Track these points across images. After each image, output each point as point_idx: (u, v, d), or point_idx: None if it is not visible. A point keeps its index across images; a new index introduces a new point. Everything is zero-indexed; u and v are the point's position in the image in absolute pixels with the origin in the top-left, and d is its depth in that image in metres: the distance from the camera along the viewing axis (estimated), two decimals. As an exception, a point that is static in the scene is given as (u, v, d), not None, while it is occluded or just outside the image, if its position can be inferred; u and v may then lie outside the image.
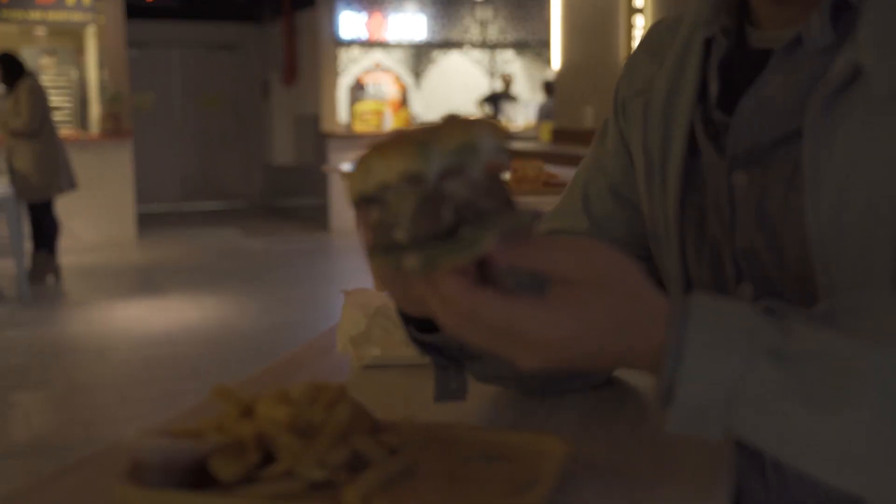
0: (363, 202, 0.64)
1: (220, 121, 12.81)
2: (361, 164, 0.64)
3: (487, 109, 11.27)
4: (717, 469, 0.80)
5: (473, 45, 12.04)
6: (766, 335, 0.63)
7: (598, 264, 0.63)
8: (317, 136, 10.87)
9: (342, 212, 9.86)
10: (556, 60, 7.65)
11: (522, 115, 11.23)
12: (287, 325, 5.85)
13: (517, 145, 6.90)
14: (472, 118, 0.64)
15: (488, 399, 1.00)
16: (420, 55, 11.93)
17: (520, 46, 12.16)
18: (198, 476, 0.73)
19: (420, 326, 0.86)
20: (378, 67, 11.83)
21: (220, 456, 0.73)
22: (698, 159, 0.92)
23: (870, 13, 0.78)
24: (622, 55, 6.64)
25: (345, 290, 1.19)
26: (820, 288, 0.79)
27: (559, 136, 7.40)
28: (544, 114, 9.41)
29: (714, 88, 0.90)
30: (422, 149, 0.61)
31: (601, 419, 0.94)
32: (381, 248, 0.63)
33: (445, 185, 0.61)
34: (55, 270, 7.21)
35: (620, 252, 0.65)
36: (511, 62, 12.22)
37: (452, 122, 0.63)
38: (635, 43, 6.78)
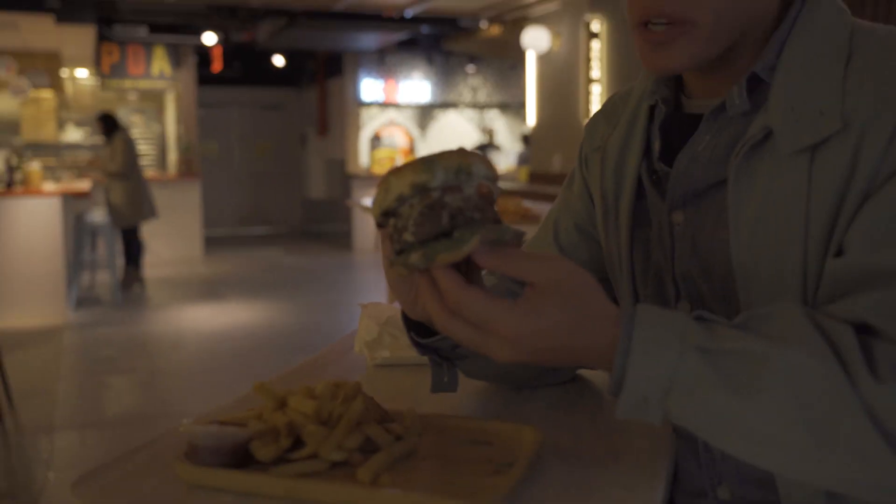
0: (384, 216, 0.65)
1: (268, 164, 12.82)
2: (382, 184, 0.65)
3: None
4: (659, 451, 0.77)
5: (466, 105, 12.06)
6: (696, 335, 0.62)
7: (560, 273, 0.62)
8: (343, 176, 10.88)
9: (362, 235, 9.84)
10: (531, 118, 7.65)
11: (504, 160, 11.22)
12: (318, 325, 5.82)
13: (501, 185, 6.87)
14: (469, 150, 0.65)
15: (474, 392, 0.97)
16: (424, 113, 11.94)
17: (503, 107, 12.17)
18: (241, 457, 0.71)
19: (420, 332, 0.84)
20: (391, 123, 11.83)
21: (259, 441, 0.71)
22: (644, 201, 0.90)
23: (778, 87, 0.76)
24: (582, 114, 6.64)
25: (361, 303, 1.16)
26: (741, 304, 0.77)
27: (534, 177, 7.38)
28: (522, 160, 9.40)
29: (657, 145, 0.88)
30: (428, 164, 0.62)
31: (565, 409, 0.92)
32: (396, 252, 0.64)
33: (445, 197, 0.62)
34: (140, 281, 7.19)
35: (579, 267, 0.64)
36: (496, 119, 12.23)
37: (453, 150, 0.64)
38: (593, 105, 6.77)
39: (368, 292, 6.94)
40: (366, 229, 9.75)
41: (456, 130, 12.04)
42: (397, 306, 1.13)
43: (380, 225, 0.67)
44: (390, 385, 1.03)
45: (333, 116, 11.83)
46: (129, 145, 7.00)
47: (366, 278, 8.08)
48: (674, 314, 0.63)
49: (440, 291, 0.62)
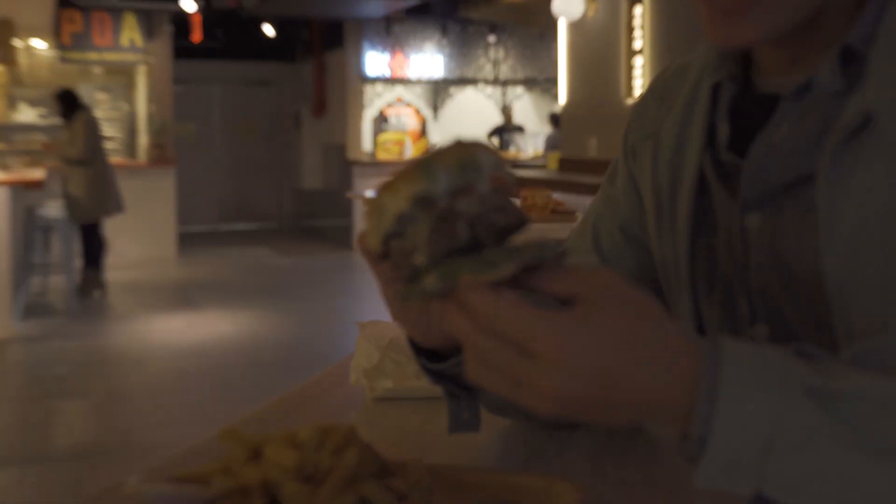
0: (385, 243, 0.61)
1: (255, 149, 12.87)
2: (373, 206, 0.60)
3: (495, 141, 11.25)
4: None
5: (486, 81, 12.03)
6: (804, 374, 0.56)
7: (619, 288, 0.57)
8: (342, 164, 10.88)
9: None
10: (562, 96, 7.61)
11: (532, 144, 11.19)
12: (311, 340, 5.80)
13: (527, 174, 6.84)
14: (466, 140, 0.61)
15: (498, 435, 0.93)
16: (438, 90, 11.93)
17: (529, 83, 12.15)
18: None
19: (431, 357, 0.80)
20: (399, 101, 11.84)
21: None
22: (708, 199, 0.85)
23: (879, 61, 0.72)
24: (623, 92, 6.58)
25: (359, 322, 1.12)
26: (837, 328, 0.72)
27: (566, 165, 7.33)
28: (551, 144, 9.36)
29: (724, 131, 0.83)
30: (425, 168, 0.59)
31: (611, 459, 0.87)
32: (406, 281, 0.60)
33: (457, 203, 0.58)
34: (101, 286, 7.21)
35: (635, 284, 0.58)
36: (521, 97, 12.20)
37: (449, 144, 0.61)
38: (635, 81, 6.73)
39: (371, 301, 6.91)
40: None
41: (474, 110, 12.03)
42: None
43: (383, 256, 0.62)
44: (393, 424, 0.99)
45: (332, 95, 11.85)
46: (93, 127, 7.02)
47: (368, 284, 8.07)
48: (770, 348, 0.58)
49: (468, 310, 0.56)
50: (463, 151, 0.60)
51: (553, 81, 7.94)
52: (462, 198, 0.58)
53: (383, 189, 0.60)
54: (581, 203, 4.24)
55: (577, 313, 0.55)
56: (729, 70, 0.84)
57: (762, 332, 0.79)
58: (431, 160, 0.59)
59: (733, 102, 0.83)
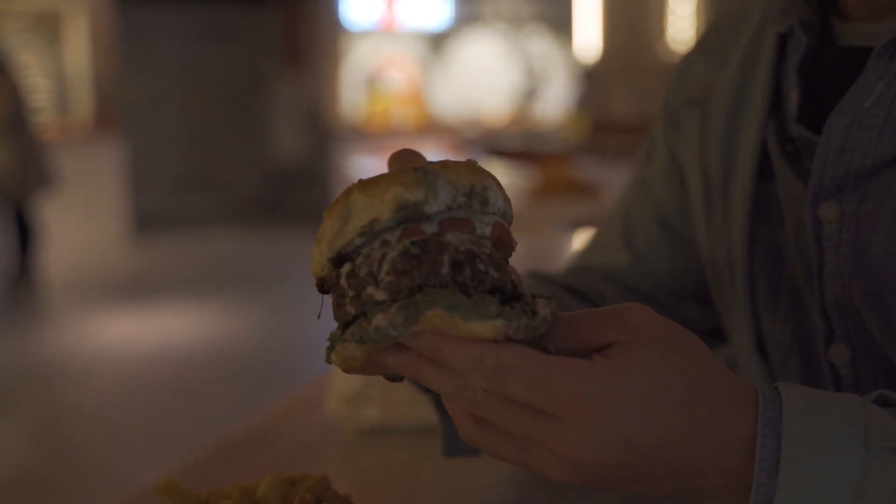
0: (334, 263, 0.55)
1: (216, 112, 12.84)
2: (338, 207, 0.55)
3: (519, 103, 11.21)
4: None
5: (497, 27, 11.98)
6: (884, 430, 0.53)
7: (656, 330, 0.54)
8: (321, 131, 10.86)
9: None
10: (591, 42, 7.57)
11: (552, 106, 11.17)
12: (287, 341, 5.79)
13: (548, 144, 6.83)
14: (482, 167, 0.56)
15: (510, 472, 0.90)
16: (438, 43, 11.89)
17: (550, 25, 12.06)
18: None
19: None
20: (392, 58, 11.79)
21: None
22: (772, 185, 0.82)
23: None
24: (653, 36, 6.52)
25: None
26: None
27: (598, 128, 7.30)
28: (577, 103, 9.33)
29: (794, 97, 0.79)
30: (425, 176, 0.54)
31: (646, 501, 0.84)
32: (343, 321, 0.54)
33: (447, 234, 0.53)
34: (30, 281, 7.20)
35: (670, 320, 0.55)
36: (540, 43, 12.13)
37: (465, 162, 0.56)
38: (668, 26, 6.67)
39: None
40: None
41: (484, 64, 11.97)
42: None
43: (322, 284, 0.56)
44: (381, 462, 0.97)
45: (307, 50, 11.79)
46: (17, 91, 7.00)
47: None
48: (843, 397, 0.55)
49: (451, 364, 0.52)
50: (477, 177, 0.55)
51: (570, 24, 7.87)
52: (455, 229, 0.54)
53: (361, 186, 0.55)
54: (609, 182, 4.21)
55: (607, 362, 0.52)
56: (801, 15, 0.79)
57: (842, 356, 0.76)
58: (437, 169, 0.54)
59: (806, 58, 0.79)
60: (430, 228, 0.53)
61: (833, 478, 0.52)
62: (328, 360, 0.56)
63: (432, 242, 0.52)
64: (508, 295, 0.54)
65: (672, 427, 0.52)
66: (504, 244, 0.56)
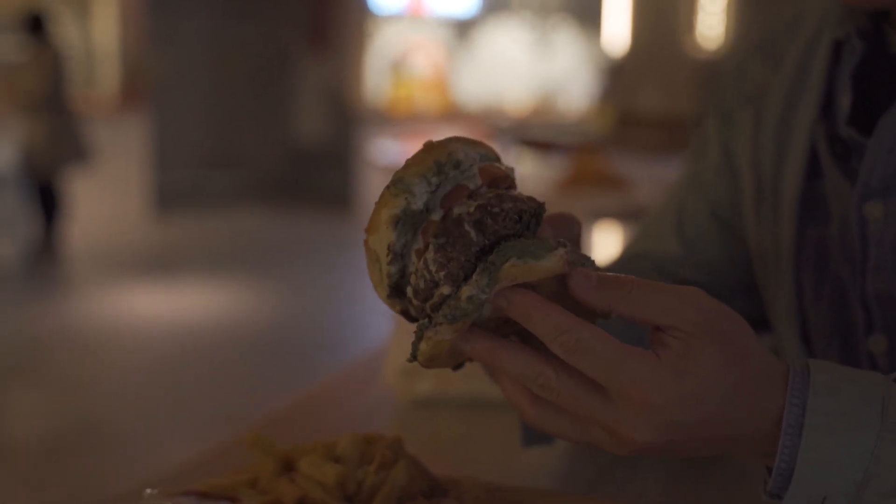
0: (395, 294, 0.61)
1: (242, 91, 12.84)
2: (368, 257, 0.61)
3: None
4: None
5: (524, 16, 11.95)
6: None
7: (712, 322, 0.58)
8: (345, 114, 10.88)
9: (372, 196, 9.85)
10: (618, 34, 7.55)
11: (575, 98, 11.15)
12: (308, 318, 5.82)
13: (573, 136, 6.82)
14: (437, 139, 0.61)
15: (559, 453, 0.95)
16: (463, 30, 11.87)
17: (575, 15, 12.02)
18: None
19: None
20: (418, 43, 11.79)
21: (256, 522, 0.69)
22: (821, 182, 0.86)
23: None
24: (682, 29, 6.51)
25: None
26: None
27: (625, 122, 7.29)
28: (603, 95, 9.31)
29: (846, 101, 0.84)
30: (396, 188, 0.59)
31: (691, 484, 0.89)
32: (443, 315, 0.58)
33: (453, 209, 0.58)
34: (54, 252, 7.25)
35: (723, 304, 0.60)
36: (565, 33, 12.09)
37: (422, 148, 0.61)
38: (699, 19, 6.66)
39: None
40: (376, 189, 9.77)
41: (509, 53, 11.96)
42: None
43: (408, 315, 0.62)
44: (433, 433, 1.01)
45: (334, 29, 11.81)
46: (61, 64, 7.03)
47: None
48: (867, 374, 0.60)
49: (539, 328, 0.57)
50: (435, 152, 0.60)
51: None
52: (454, 202, 0.59)
53: (367, 230, 0.61)
54: (642, 176, 4.21)
55: (669, 358, 0.57)
56: (857, 24, 0.83)
57: (881, 345, 0.81)
58: (400, 174, 0.60)
59: (860, 65, 0.83)
60: (437, 215, 0.58)
61: (850, 446, 0.57)
62: (414, 356, 0.61)
63: (448, 224, 0.58)
64: (533, 212, 0.59)
65: (718, 411, 0.57)
66: (500, 177, 0.60)
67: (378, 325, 5.57)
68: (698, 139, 1.03)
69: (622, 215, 3.58)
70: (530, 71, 11.78)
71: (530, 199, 0.60)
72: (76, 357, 5.15)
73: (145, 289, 6.58)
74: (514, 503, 0.79)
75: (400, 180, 0.59)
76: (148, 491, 0.68)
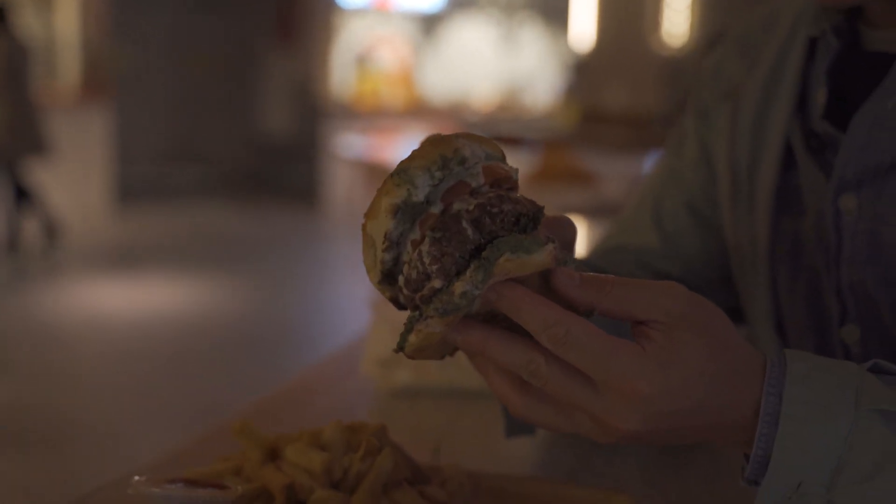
0: (387, 280, 0.62)
1: (207, 84, 12.75)
2: (364, 241, 0.62)
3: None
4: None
5: (490, 12, 11.97)
6: (877, 396, 0.60)
7: (686, 304, 0.60)
8: (312, 107, 10.84)
9: (337, 190, 9.84)
10: (583, 29, 7.59)
11: (541, 93, 11.19)
12: (274, 312, 5.80)
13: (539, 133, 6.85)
14: (444, 133, 0.62)
15: (537, 441, 0.96)
16: (429, 25, 11.87)
17: (540, 11, 12.06)
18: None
19: None
20: (384, 37, 11.77)
21: (244, 509, 0.69)
22: (795, 176, 0.88)
23: None
24: (647, 27, 6.57)
25: (373, 302, 1.14)
26: None
27: (589, 118, 7.34)
28: (567, 91, 9.35)
29: (821, 96, 0.85)
30: (399, 177, 0.59)
31: (671, 472, 0.90)
32: (434, 308, 0.58)
33: (453, 204, 0.59)
34: (18, 240, 7.17)
35: (702, 297, 0.61)
36: (531, 30, 12.13)
37: (427, 140, 0.61)
38: (665, 16, 6.72)
39: (342, 271, 6.93)
40: (341, 182, 9.75)
41: (475, 49, 11.97)
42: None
43: (396, 302, 0.63)
44: (412, 423, 1.02)
45: (301, 23, 11.76)
46: (19, 50, 6.95)
47: (342, 251, 8.08)
48: (841, 364, 0.62)
49: (529, 320, 0.58)
50: (441, 146, 0.60)
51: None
52: (455, 197, 0.59)
53: (365, 216, 0.61)
54: (609, 171, 4.24)
55: (654, 349, 0.58)
56: (832, 22, 0.85)
57: (854, 335, 0.83)
58: (405, 164, 0.60)
59: (835, 62, 0.84)
60: (437, 209, 0.59)
61: (825, 433, 0.58)
62: (401, 347, 0.61)
63: (446, 219, 0.58)
64: (531, 215, 0.60)
65: (701, 401, 0.59)
66: (502, 178, 0.61)
67: (346, 319, 5.57)
68: (676, 135, 1.04)
69: (590, 211, 3.60)
70: (496, 66, 11.80)
71: (530, 202, 0.60)
72: (40, 350, 5.10)
73: (110, 282, 6.53)
74: (495, 490, 0.80)
75: (404, 170, 0.59)
76: (136, 478, 0.68)
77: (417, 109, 11.13)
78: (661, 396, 0.58)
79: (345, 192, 9.71)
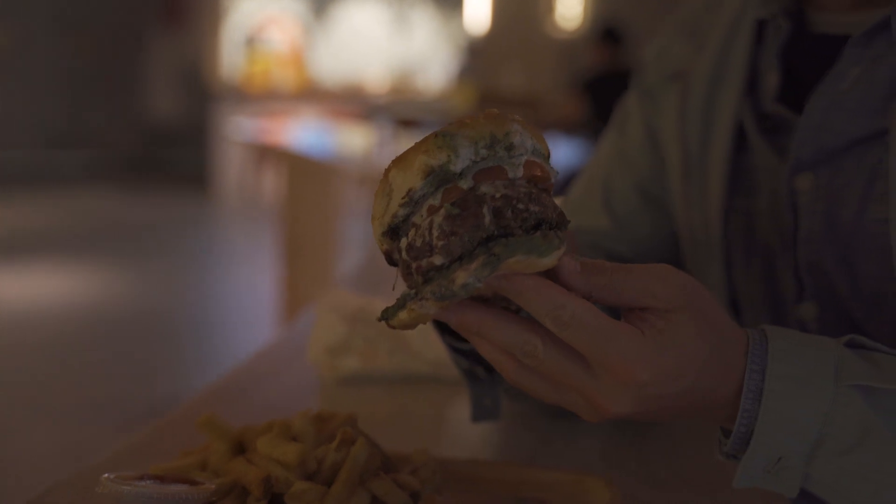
0: (391, 235, 0.59)
1: (90, 65, 12.37)
2: (381, 186, 0.59)
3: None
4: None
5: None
6: (856, 371, 0.61)
7: (681, 289, 0.60)
8: (201, 90, 10.62)
9: (227, 174, 9.67)
10: (478, 12, 7.62)
11: (433, 76, 11.20)
12: (167, 303, 5.67)
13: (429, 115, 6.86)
14: (502, 112, 0.59)
15: (500, 424, 0.95)
16: (320, 5, 11.74)
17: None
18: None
19: (456, 335, 0.81)
20: (273, 17, 11.59)
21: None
22: (747, 156, 0.89)
23: None
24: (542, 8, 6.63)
25: (320, 293, 1.13)
26: None
27: (487, 101, 7.37)
28: (460, 73, 9.38)
29: (773, 79, 0.87)
30: (444, 138, 0.57)
31: (633, 452, 0.91)
32: (431, 292, 0.57)
33: (481, 186, 0.57)
34: None
35: (691, 277, 0.62)
36: (421, 14, 12.12)
37: (483, 114, 0.59)
38: None
39: (234, 259, 6.82)
40: (232, 166, 9.59)
41: (366, 31, 11.90)
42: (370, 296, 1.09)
43: (389, 257, 0.61)
44: (364, 410, 1.00)
45: (188, 3, 11.49)
46: None
47: (234, 237, 7.96)
48: (820, 340, 0.63)
49: (533, 305, 0.57)
50: (496, 124, 0.58)
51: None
52: (487, 179, 0.57)
53: (395, 162, 0.59)
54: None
55: (651, 333, 0.58)
56: (782, 4, 0.86)
57: (811, 312, 0.84)
58: (454, 129, 0.58)
59: (786, 44, 0.86)
60: (466, 184, 0.57)
61: (806, 408, 0.60)
62: (387, 318, 0.59)
63: (469, 198, 0.56)
64: (554, 223, 0.58)
65: (691, 384, 0.59)
66: (540, 178, 0.59)
67: (244, 304, 5.49)
68: (619, 117, 1.05)
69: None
70: (388, 49, 11.74)
71: (558, 212, 0.59)
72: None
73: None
74: (464, 475, 0.79)
75: (451, 135, 0.57)
76: (105, 476, 0.65)
77: (309, 91, 11.00)
78: (656, 380, 0.58)
79: (236, 177, 9.55)
